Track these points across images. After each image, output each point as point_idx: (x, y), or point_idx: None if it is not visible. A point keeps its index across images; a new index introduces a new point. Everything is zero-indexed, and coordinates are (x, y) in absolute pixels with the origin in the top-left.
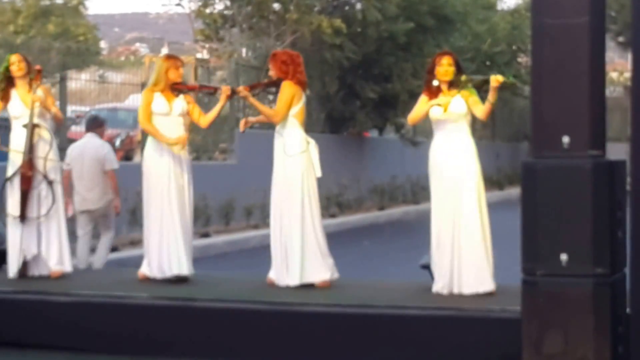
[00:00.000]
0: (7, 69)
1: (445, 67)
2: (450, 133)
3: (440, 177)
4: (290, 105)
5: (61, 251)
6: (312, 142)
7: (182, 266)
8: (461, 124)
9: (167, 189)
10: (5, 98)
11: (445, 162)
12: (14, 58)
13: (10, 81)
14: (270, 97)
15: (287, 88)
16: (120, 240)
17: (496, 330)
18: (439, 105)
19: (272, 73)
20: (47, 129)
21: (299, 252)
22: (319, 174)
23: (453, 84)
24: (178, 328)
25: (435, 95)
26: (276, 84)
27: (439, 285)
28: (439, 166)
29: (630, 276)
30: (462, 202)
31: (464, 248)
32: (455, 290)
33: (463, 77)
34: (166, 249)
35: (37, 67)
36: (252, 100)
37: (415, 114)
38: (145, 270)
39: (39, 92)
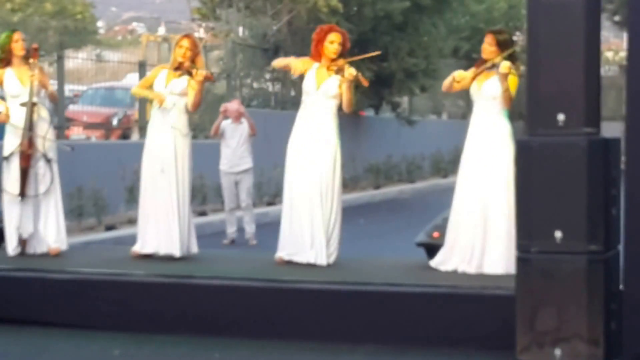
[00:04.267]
0: (5, 46)
1: (484, 45)
2: (483, 112)
3: (467, 153)
4: None
5: (58, 229)
6: None
7: (174, 247)
8: (493, 105)
9: (160, 168)
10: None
11: (473, 140)
12: (18, 36)
13: (6, 59)
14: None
15: None
16: (119, 219)
17: (490, 307)
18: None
19: (340, 53)
20: (45, 107)
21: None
22: None
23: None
24: (176, 305)
25: (482, 71)
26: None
27: (440, 260)
28: (467, 142)
29: (623, 253)
30: (489, 183)
31: (490, 227)
32: (473, 270)
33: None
34: (163, 228)
35: (34, 45)
36: (349, 85)
37: (446, 82)
38: (137, 247)
39: (36, 70)
